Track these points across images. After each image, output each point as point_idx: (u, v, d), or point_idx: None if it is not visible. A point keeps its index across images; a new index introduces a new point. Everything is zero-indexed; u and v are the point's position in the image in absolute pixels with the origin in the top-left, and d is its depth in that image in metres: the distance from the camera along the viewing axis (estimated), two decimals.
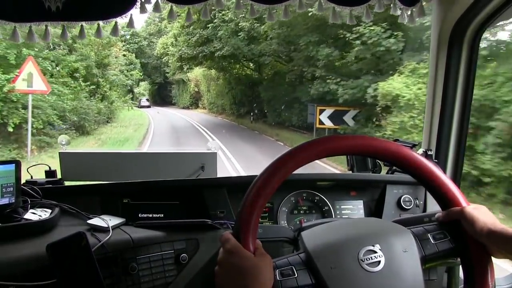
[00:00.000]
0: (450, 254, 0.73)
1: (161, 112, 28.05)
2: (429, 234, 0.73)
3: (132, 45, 36.18)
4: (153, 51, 34.02)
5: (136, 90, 41.95)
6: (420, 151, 1.34)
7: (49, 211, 1.06)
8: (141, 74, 32.33)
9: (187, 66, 24.05)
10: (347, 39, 9.96)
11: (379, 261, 0.67)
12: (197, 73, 27.92)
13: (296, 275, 0.66)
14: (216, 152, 1.37)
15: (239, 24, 15.28)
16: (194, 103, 32.16)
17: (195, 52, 17.47)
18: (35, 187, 1.13)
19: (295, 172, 0.73)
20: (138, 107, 30.08)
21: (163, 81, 38.91)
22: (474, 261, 0.69)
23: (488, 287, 0.68)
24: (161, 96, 41.91)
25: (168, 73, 33.54)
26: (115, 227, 1.03)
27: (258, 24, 14.59)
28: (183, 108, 32.99)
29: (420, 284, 0.68)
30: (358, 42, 9.54)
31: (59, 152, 1.33)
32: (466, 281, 0.71)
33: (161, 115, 25.16)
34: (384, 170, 1.39)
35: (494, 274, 0.69)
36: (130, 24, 1.12)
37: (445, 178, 0.73)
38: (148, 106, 32.32)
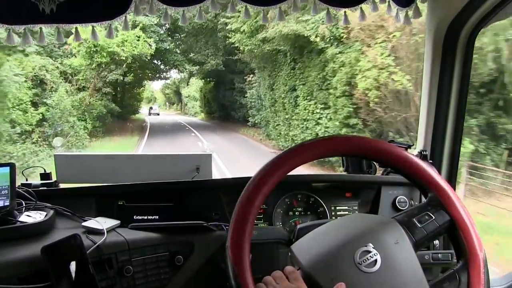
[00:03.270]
0: (438, 233, 0.75)
1: None
2: (414, 219, 0.74)
3: None
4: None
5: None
6: (416, 152, 1.34)
7: (44, 213, 1.05)
8: (153, 41, 14.25)
9: None
10: None
11: (376, 260, 0.68)
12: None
13: None
14: (211, 154, 1.37)
15: None
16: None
17: None
18: (30, 189, 1.12)
19: (291, 173, 0.73)
20: (148, 115, 27.77)
21: (222, 66, 16.67)
22: (462, 235, 0.71)
23: (478, 257, 0.69)
24: (222, 104, 19.33)
25: (233, 43, 12.93)
26: (110, 229, 1.03)
27: None
28: None
29: (419, 272, 0.69)
30: None
31: (54, 155, 1.33)
32: (458, 257, 0.73)
33: None
34: (379, 171, 1.39)
35: (483, 246, 0.71)
36: (125, 26, 1.12)
37: (418, 161, 0.75)
38: (157, 114, 30.02)
